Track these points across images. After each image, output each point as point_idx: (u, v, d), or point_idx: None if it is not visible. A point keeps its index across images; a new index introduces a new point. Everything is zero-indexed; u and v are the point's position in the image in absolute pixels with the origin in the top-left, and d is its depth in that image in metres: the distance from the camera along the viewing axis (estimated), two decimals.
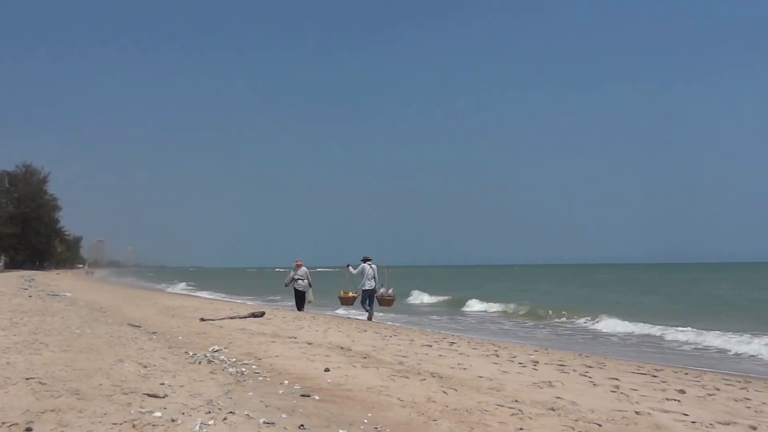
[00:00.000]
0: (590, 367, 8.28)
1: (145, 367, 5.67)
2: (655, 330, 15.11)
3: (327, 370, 6.48)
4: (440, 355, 8.47)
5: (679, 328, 14.74)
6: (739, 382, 7.78)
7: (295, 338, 9.46)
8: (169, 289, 41.92)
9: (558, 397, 5.75)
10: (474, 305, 24.25)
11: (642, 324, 15.94)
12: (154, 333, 9.01)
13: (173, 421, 3.78)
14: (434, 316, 20.20)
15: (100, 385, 4.70)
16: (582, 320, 18.42)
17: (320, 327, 11.84)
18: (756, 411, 5.66)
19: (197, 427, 3.67)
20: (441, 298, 28.07)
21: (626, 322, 16.45)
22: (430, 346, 9.72)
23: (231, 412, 4.12)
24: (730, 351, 12.23)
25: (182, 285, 48.65)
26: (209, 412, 4.08)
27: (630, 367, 8.73)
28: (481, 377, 6.71)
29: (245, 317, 12.69)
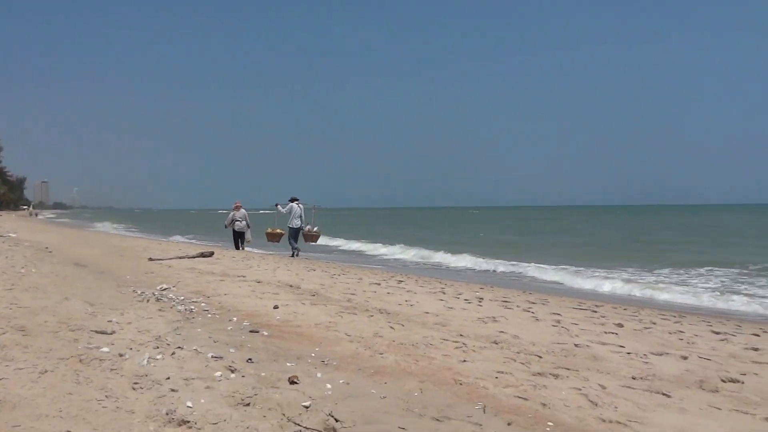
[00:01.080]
0: (533, 303, 8.63)
1: (92, 305, 5.59)
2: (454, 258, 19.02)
3: (276, 307, 6.54)
4: (388, 293, 8.66)
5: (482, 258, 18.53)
6: (674, 316, 8.25)
7: (244, 277, 9.47)
8: (96, 228, 43.00)
9: (501, 332, 5.98)
10: (343, 244, 26.33)
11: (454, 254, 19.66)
12: (101, 272, 8.85)
13: (121, 356, 3.78)
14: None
15: (46, 322, 4.61)
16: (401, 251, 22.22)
17: (269, 266, 11.87)
18: (688, 342, 6.02)
19: (145, 362, 3.68)
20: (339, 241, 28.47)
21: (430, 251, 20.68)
22: (379, 284, 9.91)
23: (179, 348, 4.13)
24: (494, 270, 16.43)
25: (109, 224, 48.98)
26: (157, 348, 4.08)
27: (572, 303, 9.14)
28: (427, 313, 6.91)
29: (194, 257, 12.58)
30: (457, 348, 5.09)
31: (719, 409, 3.60)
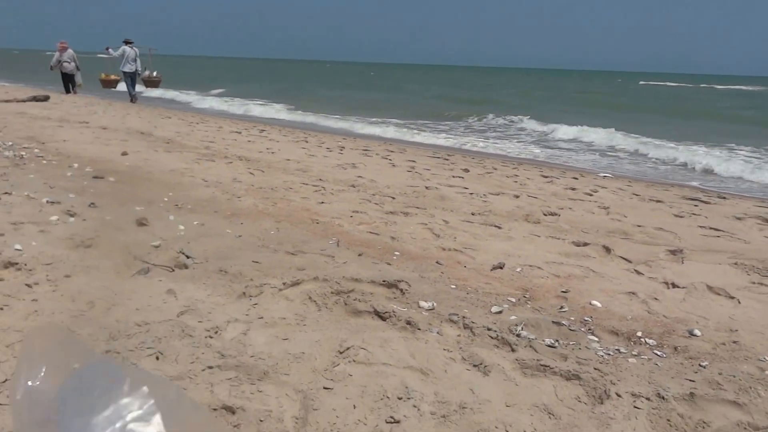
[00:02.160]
0: (392, 151, 8.94)
1: None
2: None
3: (125, 153, 6.13)
4: (249, 141, 8.46)
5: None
6: (513, 164, 9.03)
7: (87, 123, 8.66)
8: None
9: (359, 176, 6.17)
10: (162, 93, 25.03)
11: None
12: None
13: None
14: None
15: None
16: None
17: (117, 113, 10.94)
18: (520, 184, 6.68)
19: None
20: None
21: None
22: (240, 132, 9.61)
23: (6, 193, 3.77)
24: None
25: None
26: None
27: (427, 152, 9.60)
28: (288, 160, 6.90)
29: (24, 101, 11.17)
30: (316, 191, 5.20)
31: (538, 236, 4.13)
